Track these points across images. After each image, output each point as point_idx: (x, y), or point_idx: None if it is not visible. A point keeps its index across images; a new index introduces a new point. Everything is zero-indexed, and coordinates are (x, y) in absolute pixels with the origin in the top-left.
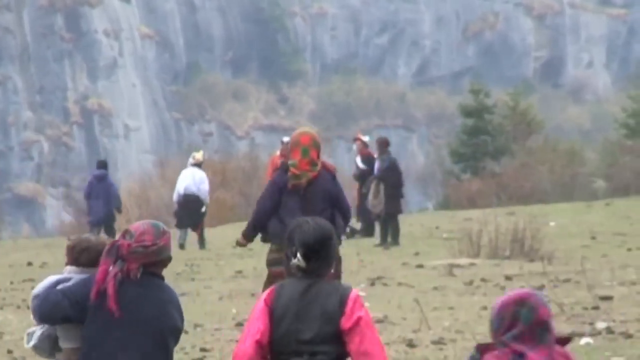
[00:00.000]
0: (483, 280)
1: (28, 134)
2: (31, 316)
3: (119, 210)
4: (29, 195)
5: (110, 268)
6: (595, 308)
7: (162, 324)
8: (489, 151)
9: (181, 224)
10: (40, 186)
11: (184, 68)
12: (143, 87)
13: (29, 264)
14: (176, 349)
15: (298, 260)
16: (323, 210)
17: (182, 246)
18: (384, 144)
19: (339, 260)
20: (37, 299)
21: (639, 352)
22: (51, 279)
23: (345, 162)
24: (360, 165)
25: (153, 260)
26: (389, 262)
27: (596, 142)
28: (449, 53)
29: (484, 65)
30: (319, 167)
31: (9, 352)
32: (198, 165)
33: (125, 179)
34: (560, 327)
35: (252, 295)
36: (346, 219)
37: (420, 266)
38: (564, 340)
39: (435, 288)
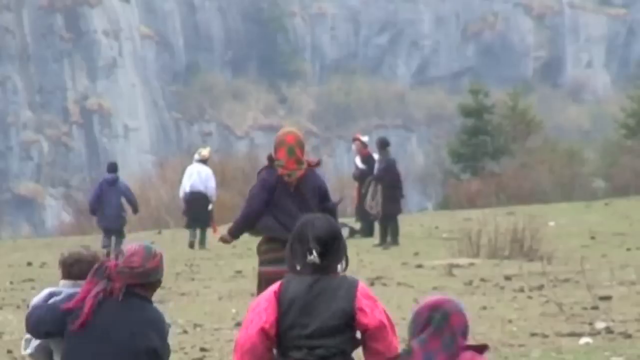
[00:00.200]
0: (482, 280)
1: (28, 134)
2: None
3: (135, 211)
4: (29, 195)
5: (95, 287)
6: (595, 308)
7: (135, 344)
8: (488, 151)
9: (190, 224)
10: (39, 186)
11: (184, 68)
12: (143, 87)
13: (29, 264)
14: (176, 348)
15: (313, 257)
16: (315, 207)
17: (192, 245)
18: (382, 145)
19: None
20: (28, 312)
21: (638, 352)
22: (45, 291)
23: (345, 162)
24: (360, 165)
25: (139, 282)
26: (389, 262)
27: (596, 142)
28: (449, 53)
29: (483, 65)
30: (305, 166)
31: (9, 352)
32: (204, 161)
33: (125, 179)
34: (559, 326)
35: (252, 295)
36: (333, 213)
37: (419, 266)
38: (481, 348)
39: (435, 288)
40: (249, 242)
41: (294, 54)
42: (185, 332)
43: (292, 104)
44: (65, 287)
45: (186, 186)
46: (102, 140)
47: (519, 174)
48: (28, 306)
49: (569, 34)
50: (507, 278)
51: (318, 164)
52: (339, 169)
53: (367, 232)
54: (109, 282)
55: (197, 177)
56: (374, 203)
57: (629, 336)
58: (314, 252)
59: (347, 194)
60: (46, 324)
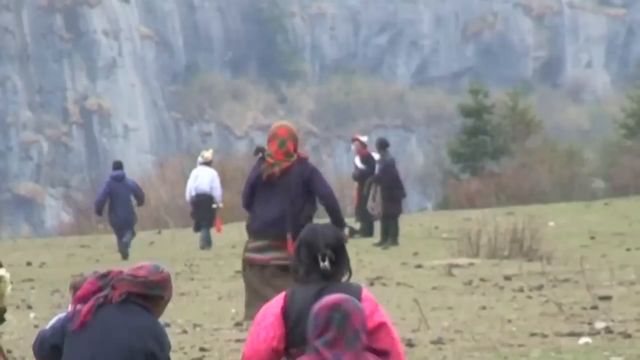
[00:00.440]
0: (482, 280)
1: (27, 134)
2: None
3: (141, 203)
4: (29, 195)
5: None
6: (594, 308)
7: (133, 346)
8: (488, 151)
9: (198, 227)
10: (39, 186)
11: (183, 68)
12: (142, 87)
13: (29, 264)
14: (175, 348)
15: (326, 264)
16: (295, 198)
17: (209, 244)
18: (381, 145)
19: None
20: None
21: (638, 352)
22: (56, 317)
23: (344, 162)
24: (359, 165)
25: (141, 292)
26: (388, 262)
27: (595, 142)
28: (448, 53)
29: (483, 66)
30: (294, 159)
31: (9, 352)
32: (207, 163)
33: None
34: (559, 326)
35: None
36: (328, 206)
37: (419, 266)
38: (382, 353)
39: (435, 288)
40: None
41: (293, 54)
42: (184, 332)
43: (292, 104)
44: None
45: (192, 189)
46: (101, 140)
47: (519, 174)
48: (28, 306)
49: (569, 34)
50: (507, 278)
51: (306, 157)
52: (338, 169)
53: (367, 232)
54: (111, 290)
55: (202, 179)
56: (375, 204)
57: (628, 336)
58: (327, 259)
59: (347, 194)
60: (48, 339)
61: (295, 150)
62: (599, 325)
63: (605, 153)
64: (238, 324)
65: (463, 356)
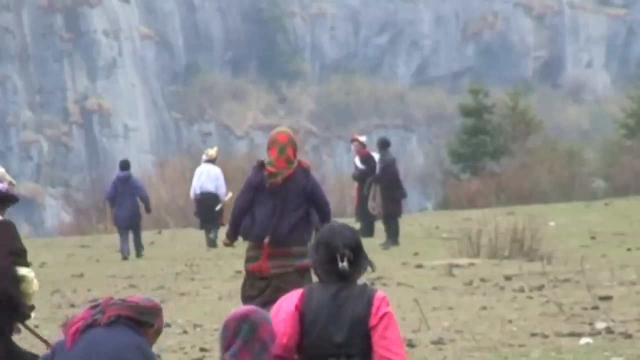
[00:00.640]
0: (482, 280)
1: (27, 134)
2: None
3: (148, 210)
4: (29, 195)
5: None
6: (595, 308)
7: (118, 358)
8: (488, 151)
9: (203, 225)
10: (39, 186)
11: (184, 68)
12: (142, 87)
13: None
14: (175, 348)
15: (345, 264)
16: (298, 207)
17: (213, 243)
18: (382, 145)
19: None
20: None
21: (638, 352)
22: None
23: (344, 162)
24: (359, 165)
25: (130, 315)
26: (389, 262)
27: (595, 142)
28: (449, 53)
29: (483, 65)
30: (295, 165)
31: None
32: (212, 161)
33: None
34: (559, 326)
35: None
36: (324, 214)
37: (419, 266)
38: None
39: (435, 288)
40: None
41: (293, 54)
42: (185, 332)
43: (292, 104)
44: None
45: (196, 187)
46: (102, 140)
47: (519, 174)
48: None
49: (569, 34)
50: (507, 278)
51: (308, 167)
52: (339, 169)
53: (367, 232)
54: (101, 314)
55: (207, 177)
56: (375, 204)
57: (629, 336)
58: (345, 259)
59: (347, 194)
60: None
61: (295, 156)
62: (600, 325)
63: (605, 153)
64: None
65: (463, 356)
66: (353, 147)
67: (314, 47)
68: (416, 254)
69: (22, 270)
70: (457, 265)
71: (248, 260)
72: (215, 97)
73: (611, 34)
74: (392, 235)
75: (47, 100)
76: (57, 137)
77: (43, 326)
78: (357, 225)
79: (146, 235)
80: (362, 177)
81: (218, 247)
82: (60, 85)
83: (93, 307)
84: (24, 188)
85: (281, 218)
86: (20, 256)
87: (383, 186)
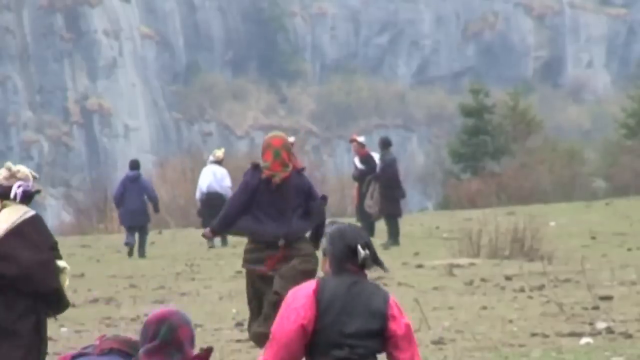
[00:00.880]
0: (483, 280)
1: (28, 134)
2: None
3: (157, 210)
4: None
5: None
6: (595, 308)
7: None
8: (488, 151)
9: (206, 225)
10: (40, 186)
11: (184, 68)
12: (143, 87)
13: None
14: None
15: (367, 253)
16: (297, 207)
17: (211, 245)
18: (382, 144)
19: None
20: None
21: (638, 352)
22: None
23: (345, 162)
24: (359, 165)
25: (125, 350)
26: (389, 262)
27: (596, 142)
28: (449, 53)
29: (483, 65)
30: (290, 169)
31: None
32: (219, 162)
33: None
34: (560, 326)
35: None
36: (321, 221)
37: (420, 266)
38: (204, 356)
39: (435, 288)
40: None
41: (294, 54)
42: None
43: (293, 104)
44: None
45: (202, 187)
46: (102, 140)
47: (519, 174)
48: None
49: (569, 34)
50: (508, 278)
51: (303, 169)
52: (339, 168)
53: (368, 232)
54: (94, 348)
55: (213, 177)
56: (372, 202)
57: (629, 336)
58: (366, 248)
59: (347, 194)
60: None
61: (289, 159)
62: (600, 325)
63: (605, 153)
64: (239, 324)
65: (464, 356)
66: (352, 147)
67: (315, 47)
68: (417, 253)
69: (61, 263)
70: (458, 265)
71: (251, 262)
72: (215, 97)
73: (611, 34)
74: (393, 235)
75: (48, 100)
76: (58, 137)
77: None
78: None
79: None
80: (362, 177)
81: (217, 247)
82: (60, 85)
83: (85, 348)
84: None
85: (285, 218)
86: (56, 249)
87: (382, 185)
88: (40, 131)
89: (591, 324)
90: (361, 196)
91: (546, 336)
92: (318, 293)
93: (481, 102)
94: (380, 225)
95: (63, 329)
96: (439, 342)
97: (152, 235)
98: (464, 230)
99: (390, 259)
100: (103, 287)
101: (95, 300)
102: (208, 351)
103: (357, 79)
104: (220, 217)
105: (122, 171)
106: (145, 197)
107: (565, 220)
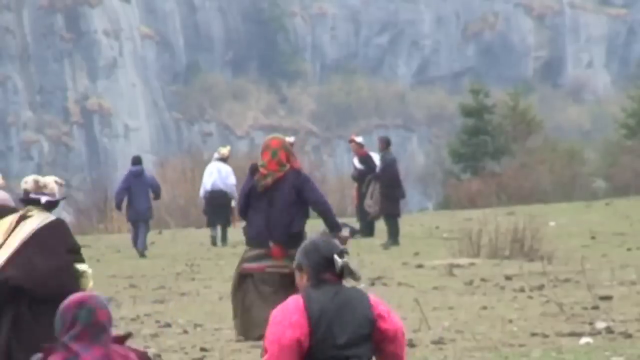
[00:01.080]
0: (483, 280)
1: (28, 134)
2: None
3: (158, 197)
4: None
5: None
6: (595, 308)
7: None
8: (488, 151)
9: (211, 222)
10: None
11: (184, 68)
12: (143, 87)
13: None
14: (176, 348)
15: (345, 261)
16: (289, 207)
17: (214, 241)
18: (383, 144)
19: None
20: None
21: (638, 352)
22: None
23: (345, 162)
24: (358, 165)
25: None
26: (389, 262)
27: (596, 142)
28: (449, 53)
29: (483, 65)
30: (287, 169)
31: None
32: (223, 160)
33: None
34: (560, 326)
35: None
36: (322, 210)
37: (420, 266)
38: (122, 339)
39: (435, 288)
40: None
41: (294, 54)
42: (185, 332)
43: (293, 104)
44: None
45: (207, 184)
46: (102, 140)
47: (520, 174)
48: None
49: (570, 34)
50: (508, 278)
51: (299, 168)
52: (339, 169)
53: (367, 232)
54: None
55: (218, 175)
56: (372, 202)
57: (629, 336)
58: (343, 257)
59: (347, 194)
60: None
61: (287, 160)
62: (600, 325)
63: (606, 153)
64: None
65: (464, 356)
66: (351, 147)
67: (315, 47)
68: (417, 253)
69: (81, 267)
70: (458, 265)
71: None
72: (215, 97)
73: (612, 34)
74: (393, 235)
75: (48, 100)
76: (58, 137)
77: None
78: (357, 225)
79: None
80: (361, 177)
81: (218, 246)
82: (60, 85)
83: None
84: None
85: (273, 220)
86: (77, 253)
87: (383, 185)
88: (40, 131)
89: (591, 323)
90: (361, 196)
91: (546, 336)
92: (307, 307)
93: (481, 102)
94: (381, 226)
95: None
96: (439, 342)
97: (152, 235)
98: (464, 230)
99: (390, 259)
100: (103, 287)
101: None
102: (126, 336)
103: (357, 79)
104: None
105: (122, 171)
106: (150, 191)
107: (565, 220)
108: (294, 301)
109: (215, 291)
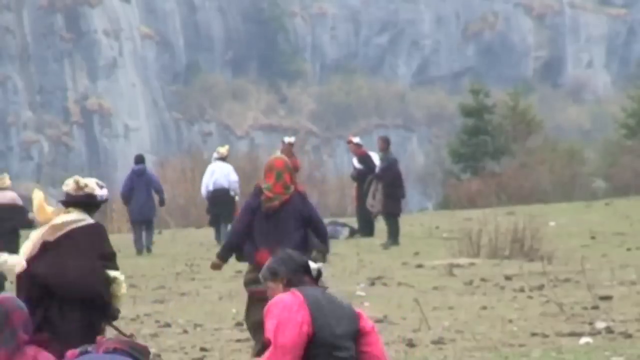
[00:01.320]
0: (483, 280)
1: (28, 134)
2: None
3: (162, 203)
4: (29, 195)
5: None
6: (595, 308)
7: None
8: (488, 151)
9: (214, 221)
10: (40, 186)
11: (184, 68)
12: (143, 87)
13: None
14: (176, 348)
15: (320, 265)
16: (295, 231)
17: (218, 238)
18: (384, 143)
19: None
20: None
21: (638, 352)
22: None
23: (345, 162)
24: (357, 165)
25: (124, 349)
26: (389, 262)
27: (596, 142)
28: (449, 53)
29: (483, 65)
30: (291, 191)
31: None
32: (223, 159)
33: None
34: (560, 326)
35: None
36: (322, 236)
37: (420, 266)
38: (40, 339)
39: (435, 288)
40: None
41: (294, 54)
42: (185, 332)
43: (293, 104)
44: None
45: (209, 184)
46: (102, 140)
47: (519, 174)
48: None
49: (569, 33)
50: (508, 278)
51: (304, 192)
52: (339, 169)
53: (367, 232)
54: (94, 350)
55: (220, 173)
56: (375, 201)
57: (629, 336)
58: (317, 263)
59: (347, 194)
60: None
61: (291, 181)
62: (600, 325)
63: (605, 153)
64: (239, 324)
65: (464, 356)
66: (349, 148)
67: (315, 47)
68: (416, 253)
69: (114, 273)
70: (458, 265)
71: (251, 282)
72: (215, 97)
73: (612, 34)
74: (393, 235)
75: (48, 100)
76: (58, 137)
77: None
78: (357, 225)
79: None
80: (360, 177)
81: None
82: (60, 85)
83: (82, 353)
84: (25, 188)
85: (280, 242)
86: (110, 260)
87: (386, 184)
88: (40, 131)
89: (591, 323)
90: (362, 196)
91: (546, 336)
92: (306, 300)
93: (481, 102)
94: (381, 226)
95: None
96: (439, 342)
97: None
98: (464, 230)
99: (390, 259)
100: None
101: None
102: (44, 339)
103: (357, 79)
104: (226, 242)
105: (122, 171)
106: (152, 190)
107: (565, 220)
108: (293, 297)
109: (215, 291)
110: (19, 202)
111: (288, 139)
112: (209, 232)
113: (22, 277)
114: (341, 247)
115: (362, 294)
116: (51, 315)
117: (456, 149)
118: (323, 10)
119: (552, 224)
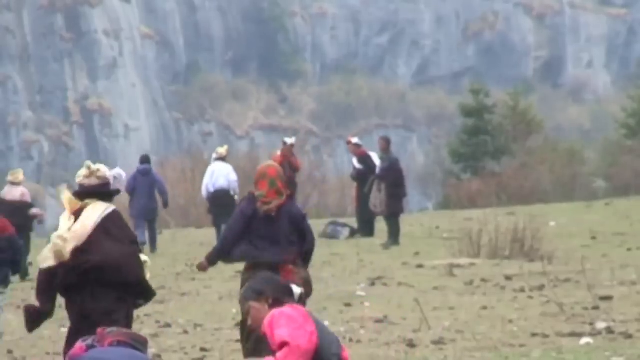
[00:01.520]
0: (483, 280)
1: (28, 134)
2: None
3: (166, 205)
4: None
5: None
6: (595, 308)
7: None
8: (489, 151)
9: (216, 222)
10: (40, 186)
11: (184, 68)
12: (143, 87)
13: (29, 263)
14: (176, 348)
15: (301, 290)
16: (292, 233)
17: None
18: (385, 144)
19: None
20: None
21: (639, 352)
22: None
23: (345, 162)
24: (357, 165)
25: (127, 341)
26: (389, 262)
27: (596, 142)
28: (449, 53)
29: (483, 65)
30: (284, 197)
31: (9, 352)
32: (222, 159)
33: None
34: (560, 327)
35: None
36: (310, 241)
37: (420, 266)
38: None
39: (436, 288)
40: None
41: (294, 54)
42: (185, 332)
43: (293, 104)
44: None
45: (209, 185)
46: (102, 140)
47: (520, 174)
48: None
49: (570, 33)
50: (508, 278)
51: (292, 196)
52: (339, 169)
53: (367, 232)
54: (97, 343)
55: (220, 173)
56: (378, 202)
57: (629, 336)
58: (300, 288)
59: (347, 194)
60: None
61: (284, 188)
62: (600, 325)
63: (606, 153)
64: (239, 324)
65: (464, 356)
66: (349, 149)
67: (315, 47)
68: (417, 253)
69: (143, 257)
70: (458, 265)
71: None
72: (215, 97)
73: (612, 34)
74: (393, 235)
75: (48, 100)
76: (58, 137)
77: (43, 326)
78: (357, 225)
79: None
80: (360, 177)
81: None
82: (60, 85)
83: (85, 340)
84: (25, 188)
85: (279, 244)
86: (136, 243)
87: (389, 184)
88: (40, 131)
89: (591, 324)
90: (362, 196)
91: (546, 336)
92: (309, 313)
93: (481, 102)
94: (381, 226)
95: (63, 329)
96: (439, 342)
97: None
98: (464, 230)
99: (390, 259)
100: None
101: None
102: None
103: (357, 79)
104: (217, 247)
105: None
106: (156, 191)
107: (565, 220)
108: (298, 310)
109: (215, 291)
110: (28, 198)
111: (289, 140)
112: (209, 232)
113: (62, 266)
114: (341, 247)
115: (363, 294)
116: (86, 304)
117: (456, 149)
118: (323, 10)
119: (552, 224)
